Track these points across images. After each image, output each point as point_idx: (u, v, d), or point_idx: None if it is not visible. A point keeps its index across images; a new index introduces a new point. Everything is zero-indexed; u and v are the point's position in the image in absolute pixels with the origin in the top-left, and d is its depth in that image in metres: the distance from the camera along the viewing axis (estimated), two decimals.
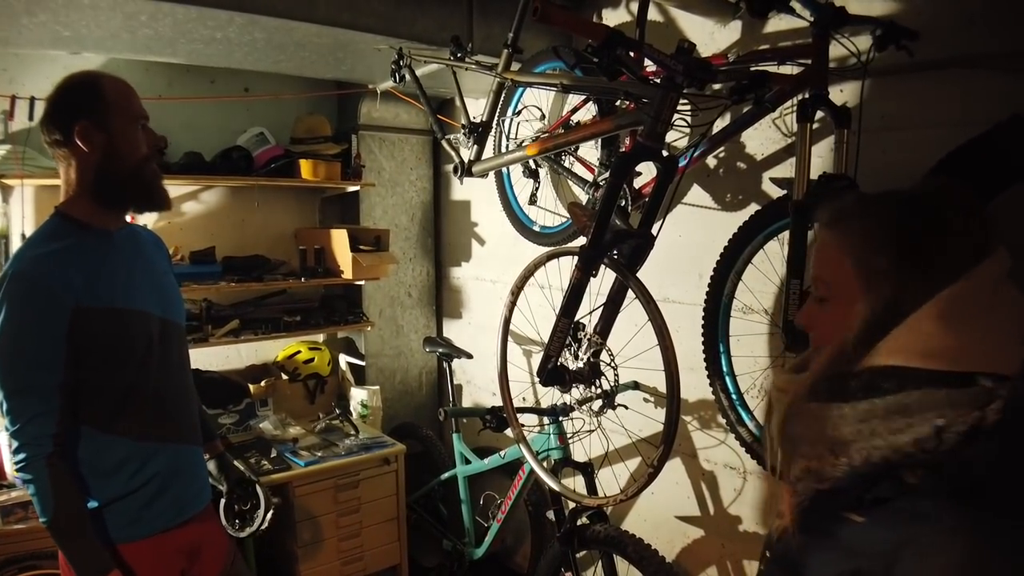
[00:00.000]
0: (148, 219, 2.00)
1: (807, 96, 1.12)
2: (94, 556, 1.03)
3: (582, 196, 1.57)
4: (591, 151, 1.62)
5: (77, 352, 1.02)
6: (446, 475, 2.20)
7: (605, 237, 1.09)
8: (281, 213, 2.37)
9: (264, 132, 2.18)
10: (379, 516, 2.11)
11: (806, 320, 0.63)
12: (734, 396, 1.35)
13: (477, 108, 1.74)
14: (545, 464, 1.67)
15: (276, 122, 2.25)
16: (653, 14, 1.59)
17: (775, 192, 1.41)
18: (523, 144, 1.54)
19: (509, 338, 1.40)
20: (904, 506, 0.51)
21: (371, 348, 2.48)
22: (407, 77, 1.75)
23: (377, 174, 2.44)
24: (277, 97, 2.27)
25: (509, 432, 1.49)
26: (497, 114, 1.67)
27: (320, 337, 2.47)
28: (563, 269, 1.28)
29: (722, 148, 1.47)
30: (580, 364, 1.17)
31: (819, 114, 1.15)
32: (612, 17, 1.77)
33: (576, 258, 1.14)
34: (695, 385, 1.51)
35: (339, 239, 2.19)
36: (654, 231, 1.13)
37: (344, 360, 2.51)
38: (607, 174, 1.46)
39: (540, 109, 1.69)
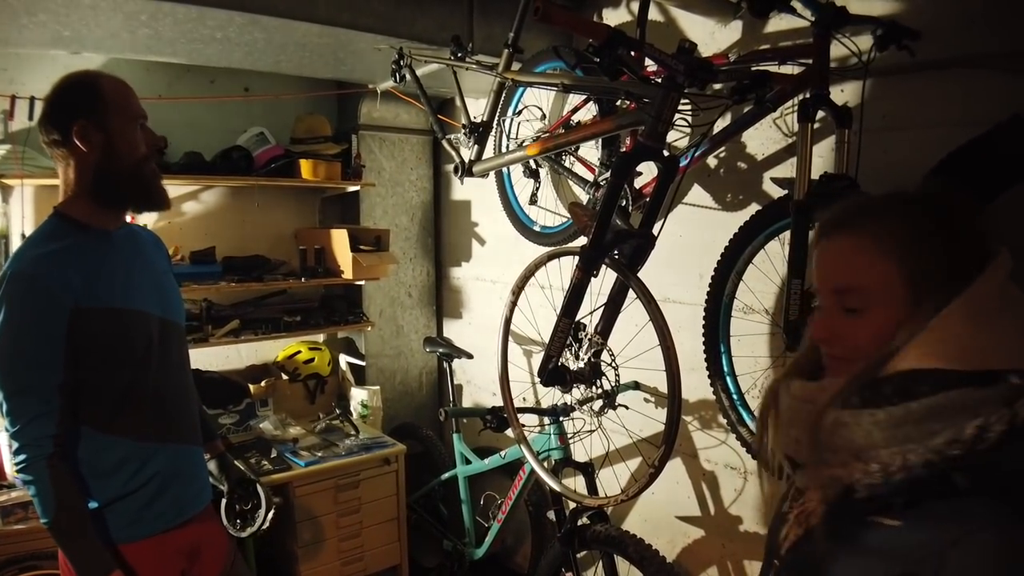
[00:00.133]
0: (148, 219, 1.99)
1: (808, 96, 1.12)
2: (95, 556, 1.02)
3: (582, 196, 1.57)
4: (591, 151, 1.61)
5: (76, 352, 1.02)
6: (446, 475, 2.20)
7: (606, 237, 1.09)
8: (281, 213, 2.37)
9: (264, 132, 2.18)
10: (379, 516, 2.11)
11: (827, 334, 0.59)
12: (735, 396, 1.35)
13: (477, 108, 1.74)
14: (546, 464, 1.66)
15: (276, 122, 2.25)
16: (653, 14, 1.59)
17: (776, 192, 1.41)
18: (524, 144, 1.54)
19: (510, 338, 1.40)
20: (949, 506, 0.51)
21: (371, 348, 2.48)
22: (407, 77, 1.75)
23: (377, 174, 2.44)
24: (277, 97, 2.27)
25: (510, 432, 1.49)
26: (498, 114, 1.67)
27: (320, 337, 2.47)
28: (564, 269, 1.28)
29: (723, 148, 1.47)
30: (581, 364, 1.17)
31: (820, 114, 1.15)
32: (612, 17, 1.76)
33: (577, 258, 1.14)
34: (696, 385, 1.51)
35: (339, 239, 2.19)
36: (655, 231, 1.12)
37: (344, 360, 2.51)
38: (608, 174, 1.46)
39: (540, 109, 1.69)
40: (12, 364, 1.00)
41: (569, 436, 1.69)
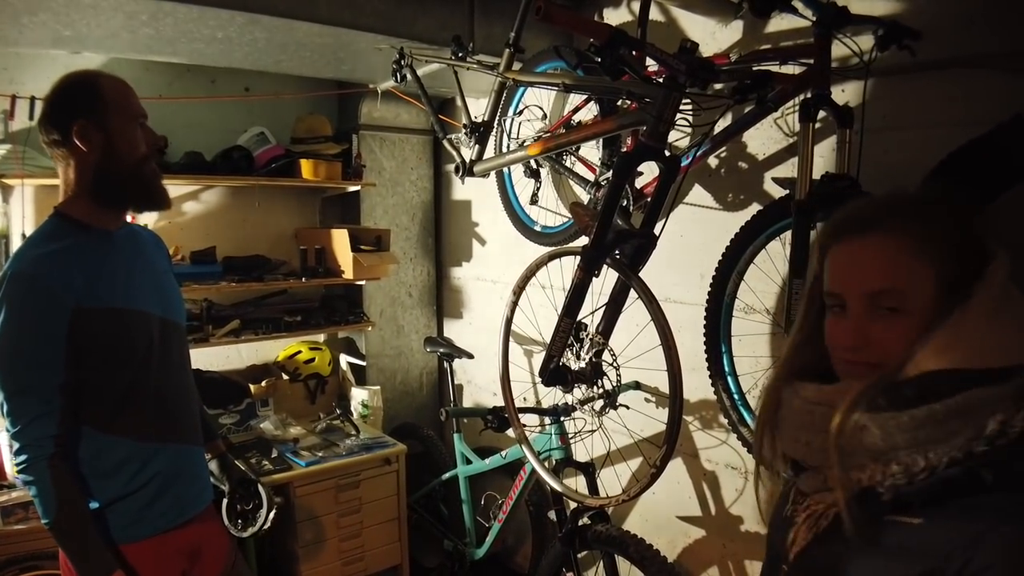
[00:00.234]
0: (148, 219, 1.99)
1: (809, 96, 1.12)
2: (96, 556, 1.02)
3: (583, 196, 1.57)
4: (592, 151, 1.61)
5: (77, 352, 1.02)
6: (447, 475, 2.20)
7: (608, 237, 1.09)
8: (282, 213, 2.37)
9: (264, 132, 2.18)
10: (380, 516, 2.11)
11: (861, 341, 0.56)
12: (736, 396, 1.35)
13: (478, 108, 1.74)
14: (547, 464, 1.66)
15: (276, 122, 2.25)
16: (654, 13, 1.59)
17: (777, 192, 1.41)
18: (525, 144, 1.54)
19: (511, 338, 1.40)
20: (972, 502, 0.51)
21: (372, 348, 2.48)
22: (408, 77, 1.75)
23: (378, 174, 2.44)
24: (278, 97, 2.27)
25: (511, 432, 1.49)
26: (498, 114, 1.67)
27: (321, 337, 2.47)
28: (565, 269, 1.28)
29: (724, 148, 1.47)
30: (582, 364, 1.17)
31: (821, 114, 1.15)
32: (613, 16, 1.76)
33: (578, 258, 1.14)
34: (697, 385, 1.51)
35: (340, 239, 2.19)
36: (656, 231, 1.12)
37: (345, 360, 2.51)
38: (609, 174, 1.46)
39: (541, 109, 1.69)
40: (13, 364, 1.00)
41: (570, 436, 1.69)
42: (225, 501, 1.33)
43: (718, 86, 1.37)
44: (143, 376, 1.10)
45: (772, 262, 1.33)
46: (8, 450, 1.70)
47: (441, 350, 2.28)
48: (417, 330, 2.60)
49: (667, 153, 1.09)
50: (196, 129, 2.16)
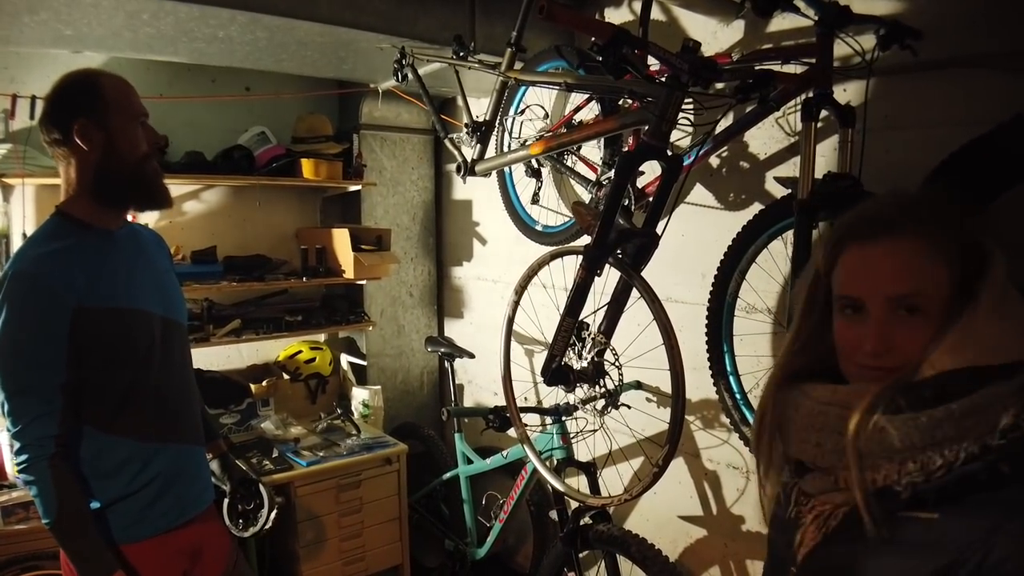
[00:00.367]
0: (149, 218, 1.99)
1: (811, 95, 1.12)
2: (98, 557, 1.02)
3: (584, 195, 1.57)
4: (593, 150, 1.61)
5: (79, 352, 1.02)
6: (448, 475, 2.20)
7: (610, 236, 1.09)
8: (282, 212, 2.37)
9: (265, 131, 2.18)
10: (381, 516, 2.11)
11: (883, 345, 0.56)
12: (738, 396, 1.35)
13: (479, 107, 1.74)
14: (548, 464, 1.66)
15: (277, 121, 2.25)
16: (655, 13, 1.59)
17: (778, 191, 1.41)
18: (527, 143, 1.54)
19: (512, 338, 1.40)
20: (990, 496, 0.51)
21: (372, 348, 2.48)
22: (409, 76, 1.74)
23: (378, 173, 2.44)
24: (278, 96, 2.26)
25: (512, 432, 1.49)
26: (500, 113, 1.66)
27: (321, 337, 2.47)
28: (567, 268, 1.28)
29: (725, 147, 1.47)
30: (584, 364, 1.17)
31: (823, 113, 1.15)
32: (614, 16, 1.76)
33: (580, 257, 1.14)
34: (698, 385, 1.51)
35: (340, 239, 2.19)
36: (659, 230, 1.12)
37: (345, 360, 2.51)
38: (610, 173, 1.46)
39: (543, 108, 1.69)
40: (14, 364, 1.00)
41: (571, 436, 1.69)
42: (226, 501, 1.33)
43: (720, 85, 1.37)
44: (144, 376, 1.10)
45: (774, 261, 1.33)
46: (9, 450, 1.70)
47: (442, 350, 2.28)
48: (418, 330, 2.60)
49: (669, 152, 1.09)
50: (197, 128, 2.15)
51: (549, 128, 1.64)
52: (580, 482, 1.71)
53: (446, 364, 2.30)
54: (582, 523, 1.62)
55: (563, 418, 1.69)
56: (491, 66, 1.55)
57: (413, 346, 2.58)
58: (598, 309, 1.19)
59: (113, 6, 1.38)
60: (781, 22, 1.39)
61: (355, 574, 2.06)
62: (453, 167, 2.16)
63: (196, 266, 2.05)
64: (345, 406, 2.34)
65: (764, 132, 1.44)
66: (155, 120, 1.13)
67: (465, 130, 1.67)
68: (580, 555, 1.66)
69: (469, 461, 2.13)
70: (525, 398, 2.13)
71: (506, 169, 1.84)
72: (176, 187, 2.07)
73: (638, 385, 1.72)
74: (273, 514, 1.34)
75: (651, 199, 1.13)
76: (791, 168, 1.41)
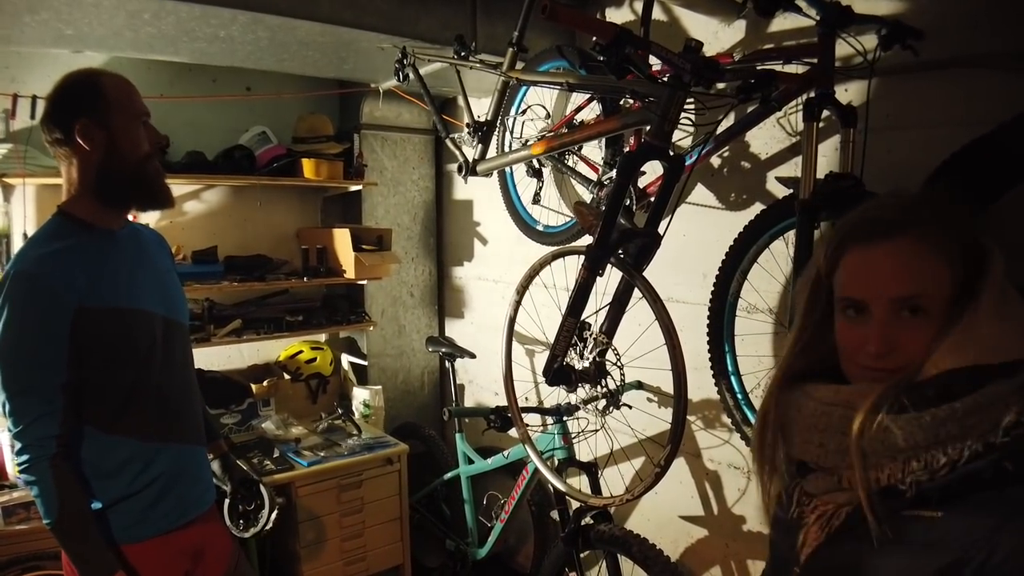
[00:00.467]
0: (150, 218, 1.99)
1: (813, 95, 1.12)
2: (99, 557, 1.02)
3: (585, 195, 1.57)
4: (594, 150, 1.61)
5: (80, 352, 1.02)
6: (449, 475, 2.20)
7: (612, 236, 1.09)
8: (283, 212, 2.37)
9: (266, 131, 2.18)
10: (382, 516, 2.11)
11: (887, 347, 0.56)
12: (739, 396, 1.35)
13: (480, 107, 1.74)
14: (550, 464, 1.66)
15: (278, 121, 2.25)
16: (656, 13, 1.59)
17: (780, 191, 1.41)
18: (528, 143, 1.54)
19: (514, 338, 1.40)
20: (994, 493, 0.52)
21: (373, 348, 2.48)
22: (411, 76, 1.74)
23: (379, 173, 2.44)
24: (279, 96, 2.26)
25: (513, 432, 1.49)
26: (501, 113, 1.66)
27: (322, 337, 2.47)
28: (568, 269, 1.27)
29: (726, 147, 1.47)
30: (586, 364, 1.17)
31: (824, 113, 1.15)
32: (616, 16, 1.76)
33: (582, 257, 1.14)
34: (699, 385, 1.51)
35: (341, 239, 2.19)
36: (661, 230, 1.12)
37: (346, 360, 2.51)
38: (611, 173, 1.46)
39: (544, 108, 1.69)
40: (15, 364, 1.00)
41: (573, 436, 1.69)
42: (227, 501, 1.33)
43: (721, 85, 1.37)
44: (146, 376, 1.10)
45: (775, 261, 1.33)
46: (10, 450, 1.70)
47: (443, 350, 2.28)
48: (419, 330, 2.60)
49: (671, 152, 1.09)
50: (197, 128, 2.15)
51: (551, 128, 1.64)
52: (581, 482, 1.71)
53: (447, 364, 2.30)
54: (583, 523, 1.62)
55: (564, 418, 1.69)
56: (492, 66, 1.55)
57: (414, 346, 2.58)
58: (600, 309, 1.19)
59: (114, 6, 1.38)
60: (782, 22, 1.39)
61: (356, 574, 2.06)
62: (454, 167, 2.16)
63: (197, 266, 2.05)
64: (346, 406, 2.34)
65: (765, 132, 1.44)
66: (156, 120, 1.13)
67: (466, 130, 1.67)
68: (581, 555, 1.66)
69: (470, 461, 2.13)
70: (526, 398, 2.13)
71: (507, 169, 1.84)
72: (177, 187, 2.06)
73: (639, 385, 1.72)
74: (274, 514, 1.34)
75: (653, 199, 1.13)
76: (792, 168, 1.41)
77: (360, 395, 2.36)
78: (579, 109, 1.60)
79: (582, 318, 1.16)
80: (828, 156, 1.30)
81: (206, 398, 1.33)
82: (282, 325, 2.18)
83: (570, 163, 1.61)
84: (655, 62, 1.18)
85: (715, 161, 1.56)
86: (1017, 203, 0.97)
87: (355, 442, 2.13)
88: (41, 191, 1.87)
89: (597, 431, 1.26)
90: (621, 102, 1.41)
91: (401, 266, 2.48)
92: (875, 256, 0.58)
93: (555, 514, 1.75)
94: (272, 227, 2.34)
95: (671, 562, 1.51)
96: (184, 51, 1.75)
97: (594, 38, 0.97)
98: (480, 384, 2.49)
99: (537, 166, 1.72)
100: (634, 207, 1.41)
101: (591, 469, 1.66)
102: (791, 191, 1.20)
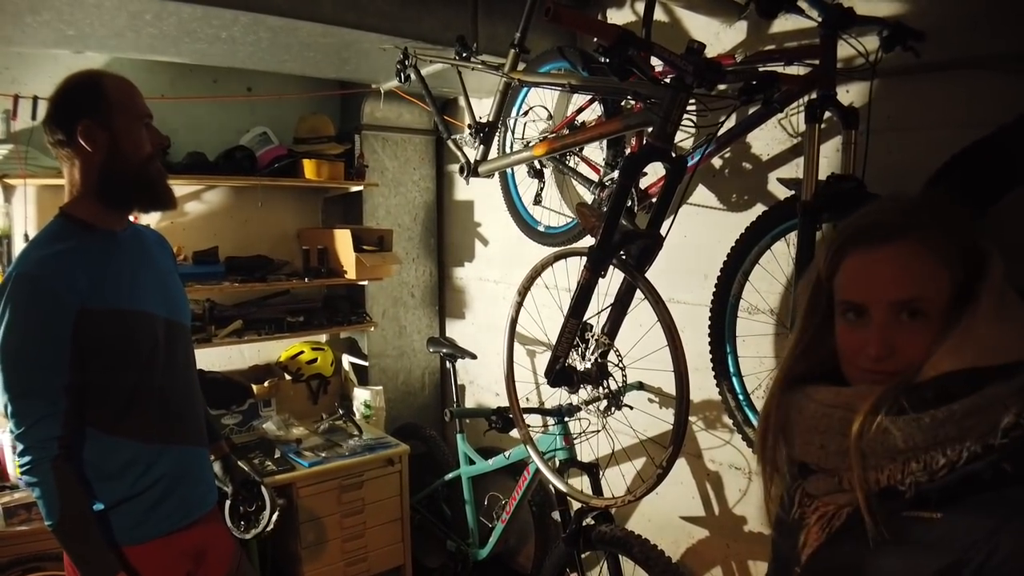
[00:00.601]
0: (151, 219, 1.99)
1: (815, 97, 1.12)
2: (100, 559, 1.02)
3: (587, 196, 1.57)
4: (596, 151, 1.62)
5: (82, 354, 1.02)
6: (450, 476, 2.20)
7: (614, 238, 1.09)
8: (284, 213, 2.37)
9: (267, 132, 2.18)
10: (383, 517, 2.11)
11: (886, 350, 0.57)
12: (741, 396, 1.35)
13: (481, 108, 1.74)
14: (551, 465, 1.66)
15: (279, 122, 2.25)
16: (658, 14, 1.59)
17: (781, 192, 1.42)
18: (530, 144, 1.54)
19: (515, 339, 1.40)
20: (993, 495, 0.52)
21: (374, 348, 2.48)
22: (412, 77, 1.74)
23: (380, 174, 2.44)
24: (280, 97, 2.26)
25: (514, 433, 1.49)
26: (503, 114, 1.67)
27: (323, 337, 2.47)
28: (571, 270, 1.28)
29: (728, 148, 1.47)
30: (588, 365, 1.17)
31: (826, 115, 1.15)
32: (617, 17, 1.77)
33: (584, 259, 1.14)
34: (701, 385, 1.51)
35: (342, 239, 2.19)
36: (663, 231, 1.13)
37: (347, 360, 2.51)
38: (613, 174, 1.46)
39: (546, 109, 1.69)
40: (17, 366, 1.00)
41: (574, 436, 1.69)
42: (228, 503, 1.33)
43: (723, 87, 1.38)
44: (148, 377, 1.10)
45: (777, 262, 1.33)
46: (12, 451, 1.70)
47: (444, 350, 2.28)
48: (419, 330, 2.60)
49: (673, 154, 1.09)
50: (198, 129, 2.15)
51: (552, 129, 1.65)
52: (583, 483, 1.71)
53: (448, 365, 2.30)
54: (585, 524, 1.62)
55: (566, 419, 1.69)
56: (494, 67, 1.55)
57: (415, 347, 2.58)
58: (602, 310, 1.19)
59: (116, 6, 1.38)
60: (784, 24, 1.39)
61: (357, 575, 2.06)
62: (455, 168, 2.17)
63: (198, 267, 2.05)
64: (347, 407, 2.34)
65: (767, 133, 1.44)
66: (157, 120, 1.13)
67: (468, 131, 1.68)
68: (582, 556, 1.66)
69: (471, 462, 2.13)
70: (527, 399, 2.13)
71: (508, 170, 1.84)
72: (178, 188, 2.05)
73: (640, 386, 1.72)
74: (275, 515, 1.34)
75: (655, 200, 1.13)
76: (794, 169, 1.41)
77: (361, 396, 2.36)
78: (581, 110, 1.60)
79: (584, 319, 1.16)
80: (830, 157, 1.30)
81: (207, 399, 1.33)
82: (283, 326, 2.18)
83: (572, 164, 1.61)
84: (657, 63, 1.19)
85: (717, 162, 1.56)
86: (1017, 205, 0.97)
87: (356, 443, 2.13)
88: (42, 192, 1.87)
89: (599, 432, 1.27)
90: (623, 103, 1.41)
91: (402, 267, 2.48)
92: (875, 260, 0.59)
93: (556, 515, 1.75)
94: (273, 228, 2.34)
95: (672, 563, 1.51)
96: (185, 52, 1.75)
97: (596, 39, 0.97)
98: (481, 385, 2.49)
99: (538, 167, 1.72)
100: (636, 208, 1.41)
101: (592, 470, 1.66)
102: (793, 192, 1.21)
